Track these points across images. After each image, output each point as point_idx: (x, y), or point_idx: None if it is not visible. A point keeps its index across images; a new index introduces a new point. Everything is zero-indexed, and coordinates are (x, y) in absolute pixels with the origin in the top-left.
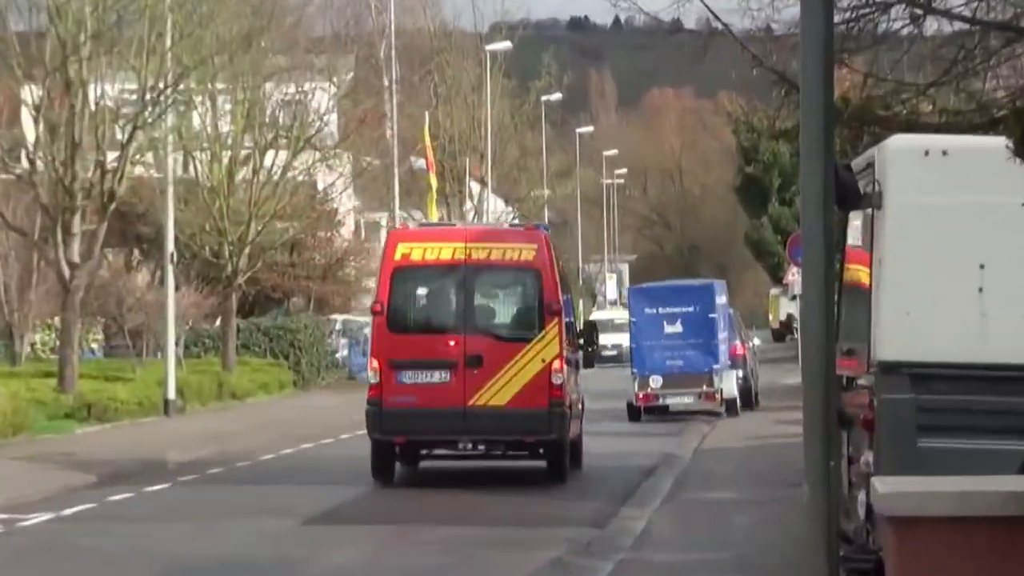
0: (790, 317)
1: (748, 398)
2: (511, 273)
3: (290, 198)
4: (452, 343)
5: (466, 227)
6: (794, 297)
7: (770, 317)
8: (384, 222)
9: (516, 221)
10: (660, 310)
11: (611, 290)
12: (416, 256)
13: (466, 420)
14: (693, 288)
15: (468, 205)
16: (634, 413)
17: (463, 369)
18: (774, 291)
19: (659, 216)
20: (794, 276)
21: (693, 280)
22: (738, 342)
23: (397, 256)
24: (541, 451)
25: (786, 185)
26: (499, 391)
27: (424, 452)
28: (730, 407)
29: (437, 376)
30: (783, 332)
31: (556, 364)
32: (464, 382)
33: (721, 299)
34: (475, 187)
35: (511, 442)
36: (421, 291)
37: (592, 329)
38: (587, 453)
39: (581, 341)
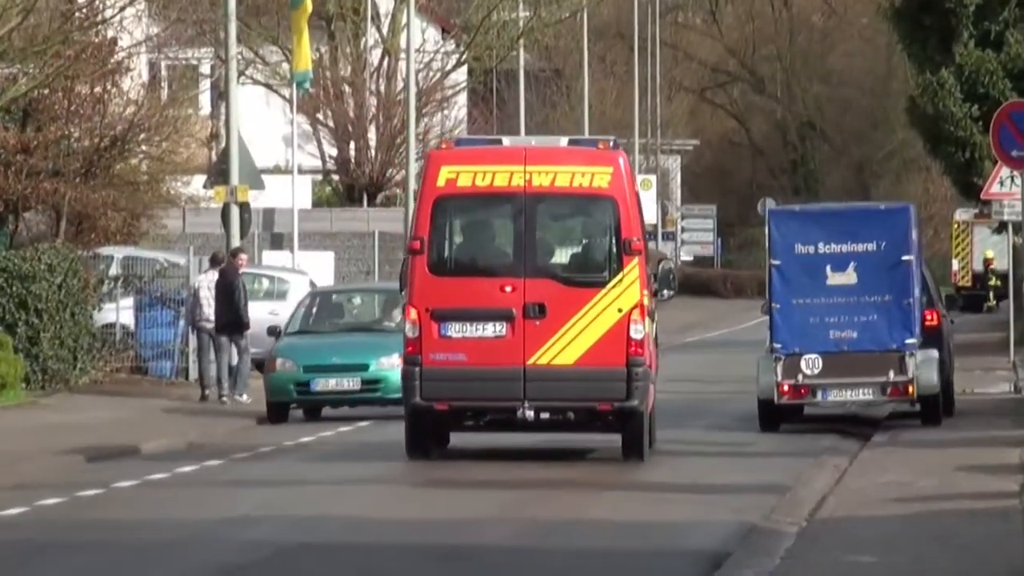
0: (988, 270)
1: (947, 392)
2: (581, 202)
3: (21, 18)
4: (509, 288)
5: (524, 146)
6: (1001, 228)
7: (955, 265)
8: (208, 68)
9: (585, 137)
10: (822, 248)
11: (648, 205)
12: (464, 182)
13: (526, 382)
14: (876, 213)
15: (371, 38)
16: (772, 415)
17: (522, 320)
18: (962, 214)
19: (743, 67)
20: (1013, 185)
21: (874, 203)
22: (931, 304)
23: (440, 182)
24: (614, 422)
25: (991, 8)
26: (566, 347)
27: (469, 423)
28: (928, 408)
29: (490, 329)
30: (974, 293)
31: (636, 314)
32: (524, 336)
33: (915, 231)
34: (385, 2)
35: (581, 410)
36: (470, 225)
37: (668, 274)
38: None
39: (656, 286)
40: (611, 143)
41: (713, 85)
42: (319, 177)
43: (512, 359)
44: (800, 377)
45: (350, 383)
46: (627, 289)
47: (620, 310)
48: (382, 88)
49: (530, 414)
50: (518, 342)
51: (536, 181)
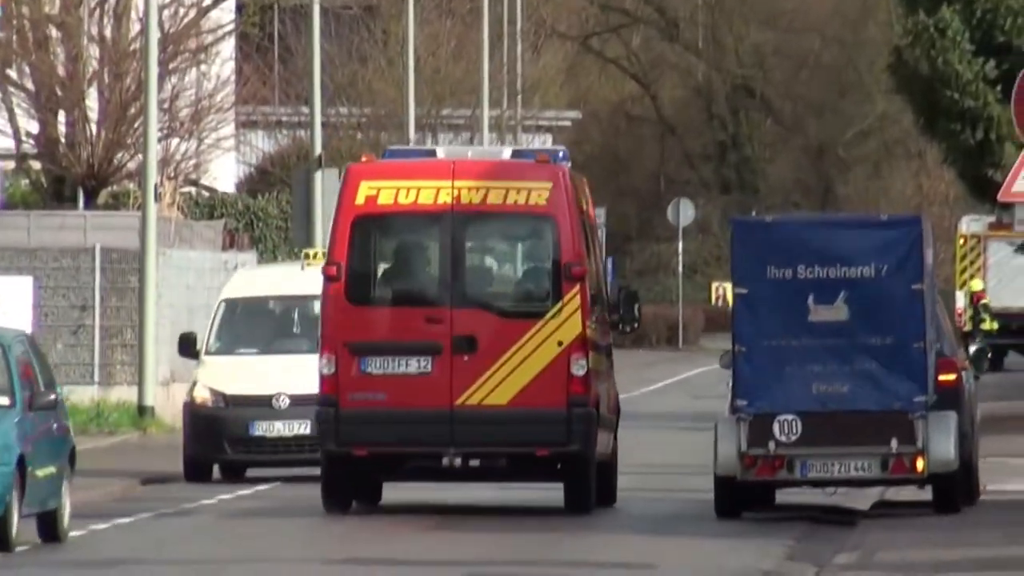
0: (977, 306)
1: (968, 474)
2: (516, 222)
3: None
4: (435, 320)
5: (453, 158)
6: None
7: (959, 299)
8: None
9: (519, 147)
10: (803, 272)
11: None
12: (385, 199)
13: (453, 425)
14: (874, 226)
15: None
16: (732, 497)
17: (450, 355)
18: (971, 224)
19: (647, 2)
20: None
21: (869, 214)
22: (946, 350)
23: (359, 199)
24: (557, 469)
25: None
26: (499, 386)
27: (379, 471)
28: (943, 491)
29: (414, 365)
30: (994, 343)
31: (578, 348)
32: (451, 373)
33: (929, 253)
34: None
35: (516, 456)
36: (392, 248)
37: (632, 300)
38: None
39: (615, 316)
40: (558, 154)
41: (603, 30)
42: (10, 165)
43: (438, 399)
44: (772, 445)
45: (301, 427)
46: (567, 320)
47: (560, 343)
48: (107, 32)
49: (457, 461)
50: (444, 380)
51: (465, 198)
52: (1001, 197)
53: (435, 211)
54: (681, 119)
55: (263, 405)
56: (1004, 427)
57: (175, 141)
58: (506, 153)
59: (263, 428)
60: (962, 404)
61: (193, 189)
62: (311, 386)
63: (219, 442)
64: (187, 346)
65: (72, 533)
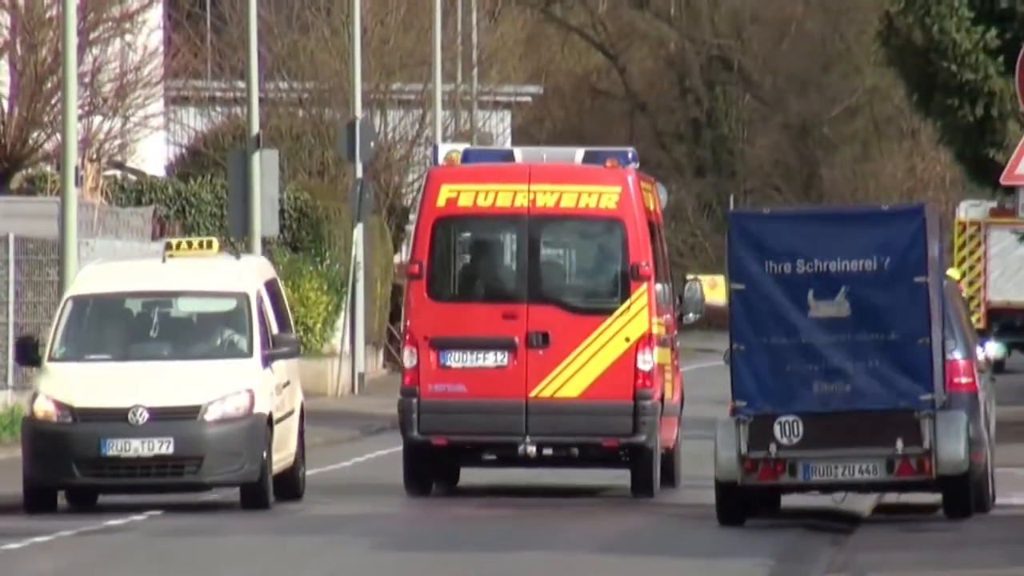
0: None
1: (983, 478)
2: (587, 225)
3: None
4: (511, 316)
5: (530, 163)
6: None
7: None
8: None
9: (604, 149)
10: (802, 266)
11: None
12: (465, 201)
13: (528, 416)
14: (877, 217)
15: None
16: (735, 503)
17: (524, 350)
18: (970, 210)
19: None
20: None
21: (870, 205)
22: (959, 350)
23: (440, 201)
24: (624, 458)
25: None
26: (571, 379)
27: (458, 458)
28: (954, 494)
29: (492, 359)
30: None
31: (644, 344)
32: (526, 367)
33: (935, 244)
34: None
35: (585, 445)
36: (471, 247)
37: (695, 295)
38: None
39: (680, 309)
40: (627, 156)
41: None
42: None
43: (513, 391)
44: (773, 448)
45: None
46: (635, 317)
47: (627, 339)
48: None
49: (532, 449)
50: (520, 373)
51: (540, 201)
52: (1004, 180)
53: (512, 213)
54: (652, 94)
55: (118, 420)
56: (1008, 434)
57: (97, 119)
58: (579, 155)
59: (118, 447)
60: (976, 407)
61: (118, 172)
62: (174, 398)
63: (65, 464)
64: (25, 351)
65: None
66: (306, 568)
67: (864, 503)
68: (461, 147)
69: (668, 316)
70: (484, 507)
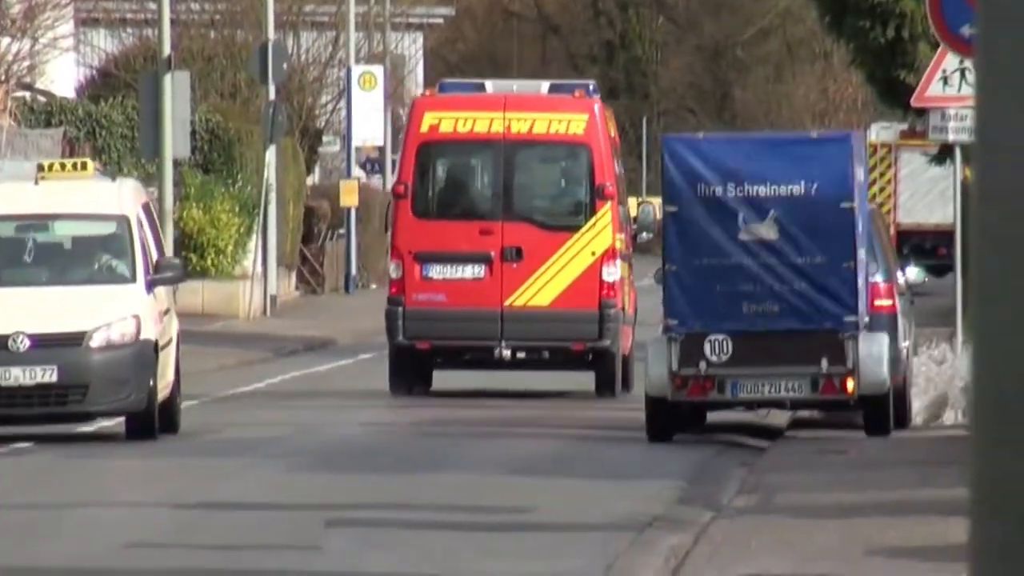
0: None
1: (902, 398)
2: (557, 149)
3: None
4: (488, 232)
5: (505, 93)
6: (943, 155)
7: None
8: None
9: (566, 82)
10: (732, 190)
11: (371, 117)
12: (446, 128)
13: (503, 323)
14: (805, 144)
15: None
16: (664, 419)
17: (500, 263)
18: (881, 132)
19: None
20: (964, 83)
21: (800, 132)
22: (880, 274)
23: (424, 128)
24: (589, 360)
25: None
26: (541, 289)
27: (440, 361)
28: (874, 413)
29: (470, 271)
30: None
31: (609, 257)
32: (501, 278)
33: (860, 171)
34: None
35: (555, 349)
36: (452, 169)
37: (648, 215)
38: None
39: (635, 227)
40: (588, 88)
41: None
42: None
43: (490, 301)
44: (703, 365)
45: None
46: (600, 233)
47: (593, 253)
48: None
49: (507, 353)
50: (496, 284)
51: (515, 128)
52: (914, 102)
53: (488, 139)
54: (564, 16)
55: None
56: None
57: (6, 40)
58: (544, 87)
59: None
60: (896, 328)
61: (27, 94)
62: (56, 324)
63: None
64: None
65: None
66: (217, 488)
67: (783, 418)
68: (375, 68)
69: (626, 234)
70: (422, 422)
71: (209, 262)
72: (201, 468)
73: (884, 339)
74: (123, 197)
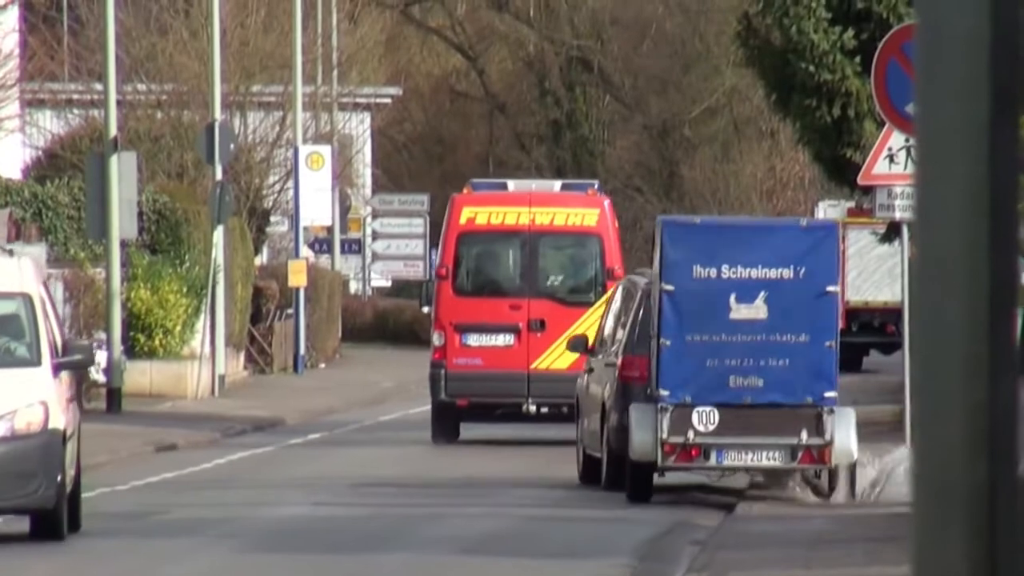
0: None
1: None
2: (573, 238)
3: None
4: (516, 307)
5: (528, 191)
6: (890, 234)
7: None
8: None
9: (574, 181)
10: (726, 272)
11: (318, 197)
12: (481, 220)
13: (530, 383)
14: (794, 231)
15: None
16: (648, 481)
17: (527, 333)
18: (829, 210)
19: None
20: (910, 160)
21: (791, 219)
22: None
23: (462, 220)
24: None
25: None
26: (562, 355)
27: (474, 415)
28: (837, 482)
29: (502, 339)
30: (849, 340)
31: None
32: (528, 346)
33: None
34: None
35: (573, 405)
36: (486, 255)
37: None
38: None
39: None
40: (595, 187)
41: None
42: None
43: (519, 364)
44: (691, 434)
45: None
46: None
47: None
48: None
49: (533, 408)
50: (523, 351)
51: (538, 220)
52: (861, 180)
53: (516, 229)
54: (511, 95)
55: None
56: (868, 433)
57: None
58: (556, 185)
59: None
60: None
61: None
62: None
63: None
64: None
65: None
66: (163, 571)
67: (743, 480)
68: (323, 148)
69: None
70: (374, 503)
71: (157, 342)
72: (148, 548)
73: (852, 413)
74: (24, 273)
